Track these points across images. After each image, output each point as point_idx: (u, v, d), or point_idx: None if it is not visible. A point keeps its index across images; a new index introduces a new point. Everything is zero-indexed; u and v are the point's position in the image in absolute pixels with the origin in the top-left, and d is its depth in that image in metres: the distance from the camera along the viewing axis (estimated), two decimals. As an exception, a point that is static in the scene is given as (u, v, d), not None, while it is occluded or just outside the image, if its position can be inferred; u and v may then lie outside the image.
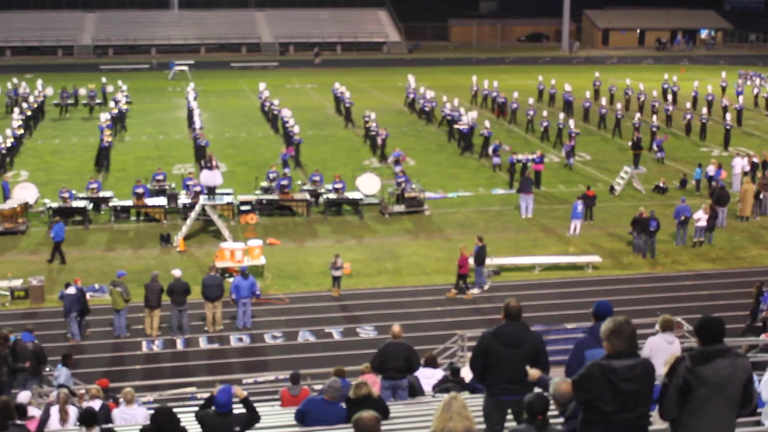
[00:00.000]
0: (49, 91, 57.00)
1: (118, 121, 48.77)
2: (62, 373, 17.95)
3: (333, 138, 48.48)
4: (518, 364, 9.36)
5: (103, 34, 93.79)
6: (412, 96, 56.97)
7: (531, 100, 52.89)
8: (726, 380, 7.01)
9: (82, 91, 57.15)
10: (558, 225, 32.92)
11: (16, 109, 48.70)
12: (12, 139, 41.76)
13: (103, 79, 60.94)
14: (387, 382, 14.57)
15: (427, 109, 52.71)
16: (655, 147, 42.48)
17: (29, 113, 49.55)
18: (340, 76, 73.20)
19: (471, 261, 26.54)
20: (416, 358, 15.08)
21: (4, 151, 40.21)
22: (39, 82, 57.83)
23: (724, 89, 58.53)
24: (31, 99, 52.88)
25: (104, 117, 45.05)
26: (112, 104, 51.17)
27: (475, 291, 26.48)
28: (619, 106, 49.93)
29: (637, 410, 7.22)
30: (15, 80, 59.41)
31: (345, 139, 47.79)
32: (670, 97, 56.18)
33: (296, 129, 42.22)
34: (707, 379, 6.97)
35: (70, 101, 56.38)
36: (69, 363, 18.46)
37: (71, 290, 22.90)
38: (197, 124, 44.31)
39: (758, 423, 7.80)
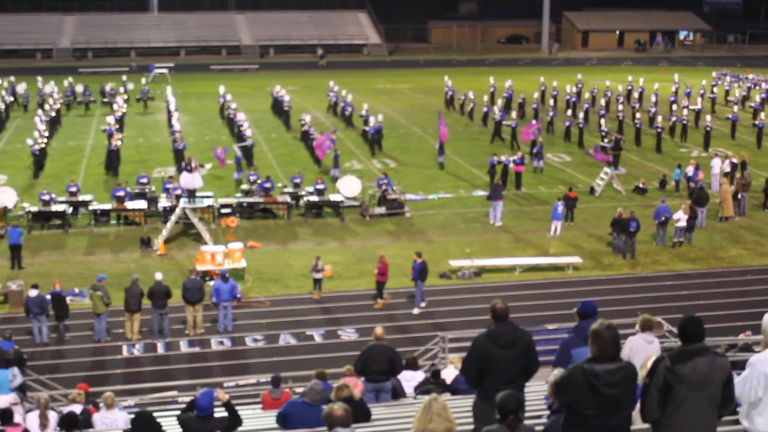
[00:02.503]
0: (80, 88, 59.27)
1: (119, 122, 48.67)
2: (17, 376, 17.44)
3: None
4: (512, 364, 9.36)
5: (82, 37, 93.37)
6: (334, 99, 56.83)
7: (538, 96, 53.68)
8: (705, 379, 7.07)
9: (108, 89, 59.05)
10: (538, 226, 33.00)
11: (40, 111, 49.28)
12: (45, 140, 42.15)
13: (124, 77, 61.88)
14: (370, 385, 14.57)
15: (347, 113, 52.46)
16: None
17: (53, 114, 49.96)
18: (321, 79, 73.16)
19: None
20: (399, 361, 15.10)
21: (37, 153, 40.27)
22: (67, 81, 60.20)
23: (676, 91, 58.74)
24: (51, 101, 53.28)
25: (111, 120, 44.99)
26: (116, 106, 51.24)
27: (415, 311, 25.35)
28: (621, 107, 50.42)
29: (618, 414, 7.24)
30: (40, 79, 60.38)
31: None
32: (653, 98, 56.14)
33: (249, 132, 42.36)
34: (686, 378, 7.03)
35: (92, 99, 58.06)
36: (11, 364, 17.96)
37: (32, 293, 22.81)
38: (176, 127, 44.19)
39: (737, 422, 7.85)
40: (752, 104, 54.54)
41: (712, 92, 58.86)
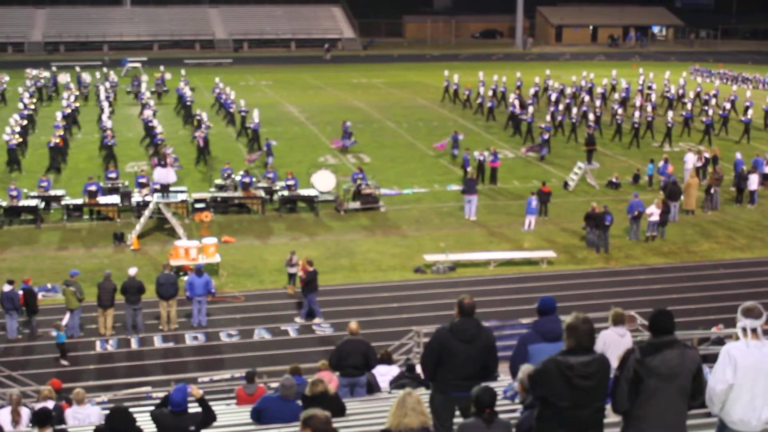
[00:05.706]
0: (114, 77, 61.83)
1: (70, 118, 48.11)
2: None
3: (288, 135, 48.33)
4: (471, 360, 9.34)
5: (54, 31, 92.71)
6: (220, 96, 55.78)
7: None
8: (675, 371, 7.14)
9: (144, 78, 60.28)
10: (513, 221, 33.10)
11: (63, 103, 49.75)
12: (61, 135, 41.88)
13: (161, 67, 63.35)
14: (345, 380, 14.58)
15: (231, 110, 51.36)
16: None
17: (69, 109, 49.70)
18: (294, 73, 73.09)
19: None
20: (374, 355, 15.11)
21: (52, 146, 39.99)
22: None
23: (614, 87, 59.06)
24: (71, 97, 52.99)
25: (59, 116, 44.44)
26: (64, 102, 50.60)
27: (317, 320, 24.27)
28: (598, 103, 50.74)
29: (592, 406, 7.28)
30: (78, 68, 62.44)
31: (300, 136, 47.69)
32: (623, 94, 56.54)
33: (159, 129, 42.22)
34: (656, 370, 7.10)
35: (141, 90, 58.65)
36: None
37: (5, 288, 22.68)
38: (106, 124, 43.18)
39: (709, 415, 7.92)
40: (687, 100, 53.70)
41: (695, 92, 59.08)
